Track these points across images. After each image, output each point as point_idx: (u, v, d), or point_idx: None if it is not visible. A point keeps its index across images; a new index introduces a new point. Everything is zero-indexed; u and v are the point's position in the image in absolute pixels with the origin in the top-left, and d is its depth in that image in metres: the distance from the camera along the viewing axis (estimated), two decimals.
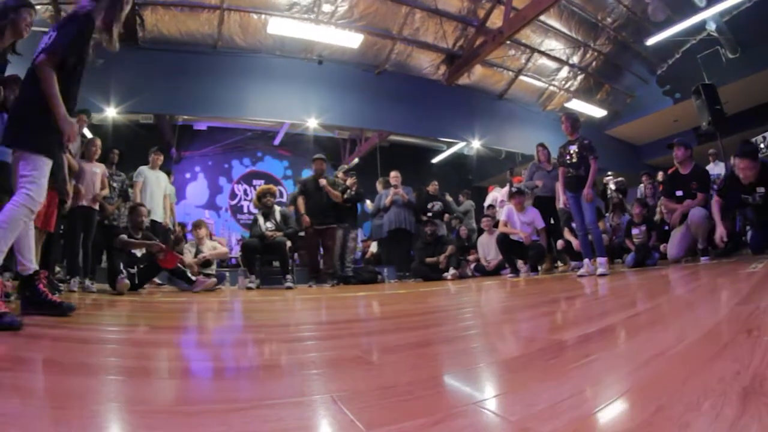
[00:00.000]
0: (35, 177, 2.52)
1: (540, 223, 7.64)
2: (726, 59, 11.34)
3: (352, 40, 10.45)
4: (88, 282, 6.07)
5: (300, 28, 10.06)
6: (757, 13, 10.34)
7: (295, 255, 8.16)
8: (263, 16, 9.99)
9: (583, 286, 4.50)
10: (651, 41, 11.25)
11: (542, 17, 9.89)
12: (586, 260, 6.04)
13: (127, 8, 2.96)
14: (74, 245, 5.96)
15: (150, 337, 2.36)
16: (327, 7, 10.08)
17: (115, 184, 6.96)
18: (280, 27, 9.92)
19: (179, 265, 6.54)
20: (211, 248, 7.69)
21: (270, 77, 10.78)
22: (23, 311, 2.61)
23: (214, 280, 6.97)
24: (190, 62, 10.08)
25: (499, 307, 3.50)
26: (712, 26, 10.88)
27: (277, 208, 7.93)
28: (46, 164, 2.61)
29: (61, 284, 5.52)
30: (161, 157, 7.87)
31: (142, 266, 6.33)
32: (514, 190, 7.82)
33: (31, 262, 2.68)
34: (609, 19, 11.43)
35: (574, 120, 6.43)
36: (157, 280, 7.41)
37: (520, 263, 7.76)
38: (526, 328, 2.27)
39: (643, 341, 1.59)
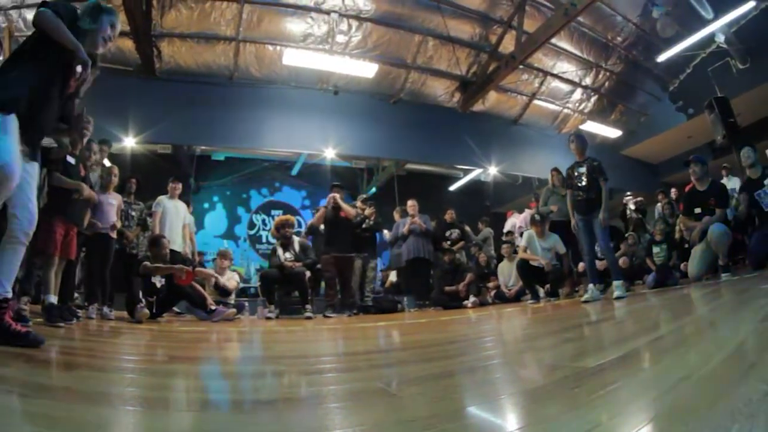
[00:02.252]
0: None
1: (561, 249, 7.57)
2: (736, 70, 11.22)
3: (367, 69, 10.53)
4: (106, 309, 6.09)
5: (315, 59, 10.17)
6: (764, 20, 10.25)
7: (322, 284, 8.13)
8: (278, 48, 10.15)
9: (603, 310, 4.44)
10: (662, 58, 11.22)
11: (553, 40, 9.91)
12: (590, 285, 5.93)
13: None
14: (93, 272, 6.00)
15: (168, 367, 2.34)
16: (341, 38, 10.20)
17: (133, 213, 7.03)
18: (295, 58, 10.05)
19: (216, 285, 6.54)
20: (229, 277, 7.71)
21: (286, 108, 10.88)
22: None
23: (233, 310, 6.95)
24: (207, 93, 10.23)
25: (521, 335, 3.45)
26: (720, 38, 10.78)
27: (296, 239, 7.94)
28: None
29: (79, 311, 5.54)
30: (179, 187, 7.91)
31: (161, 295, 6.33)
32: (536, 217, 7.76)
33: (9, 284, 2.49)
34: (619, 38, 11.44)
35: (582, 140, 6.41)
36: (175, 308, 7.41)
37: (540, 289, 7.67)
38: (549, 356, 2.23)
39: (667, 365, 1.57)
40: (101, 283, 6.12)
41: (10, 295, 2.45)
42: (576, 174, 6.21)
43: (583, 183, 6.09)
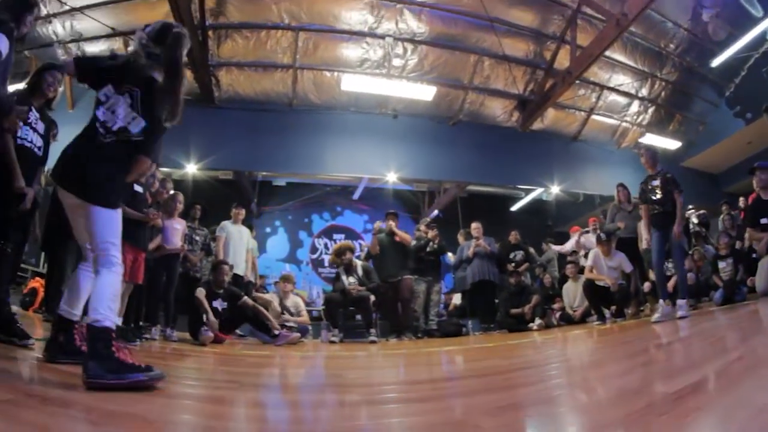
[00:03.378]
0: None
1: (628, 267, 7.29)
2: None
3: (425, 92, 10.48)
4: (169, 330, 6.21)
5: (373, 84, 10.21)
6: None
7: (398, 305, 8.12)
8: (336, 74, 10.26)
9: (673, 331, 4.30)
10: (716, 62, 10.79)
11: (607, 52, 9.64)
12: (661, 302, 5.64)
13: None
14: (156, 294, 6.12)
15: (228, 394, 2.29)
16: (397, 62, 10.23)
17: (197, 238, 7.18)
18: (353, 83, 10.12)
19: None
20: (293, 304, 7.74)
21: (347, 133, 10.97)
22: (51, 357, 2.51)
23: (297, 334, 6.91)
24: (267, 120, 10.43)
25: (592, 360, 3.30)
26: None
27: (359, 263, 7.94)
28: None
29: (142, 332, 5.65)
30: (243, 212, 8.05)
31: (223, 318, 6.38)
32: (602, 236, 7.50)
33: (76, 310, 2.57)
34: (672, 46, 11.01)
35: (653, 153, 6.25)
36: (238, 331, 7.48)
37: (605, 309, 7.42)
38: (628, 382, 2.12)
39: (751, 386, 1.52)
40: (165, 304, 6.26)
41: (78, 316, 2.54)
42: (650, 187, 6.05)
43: (658, 196, 5.91)
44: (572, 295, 8.50)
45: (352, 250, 7.95)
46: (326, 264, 14.41)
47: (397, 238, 8.04)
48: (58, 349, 2.49)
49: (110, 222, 2.38)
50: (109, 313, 2.22)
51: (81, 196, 2.34)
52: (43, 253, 8.76)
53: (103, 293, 2.27)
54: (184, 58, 2.77)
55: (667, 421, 1.23)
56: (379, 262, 8.07)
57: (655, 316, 5.58)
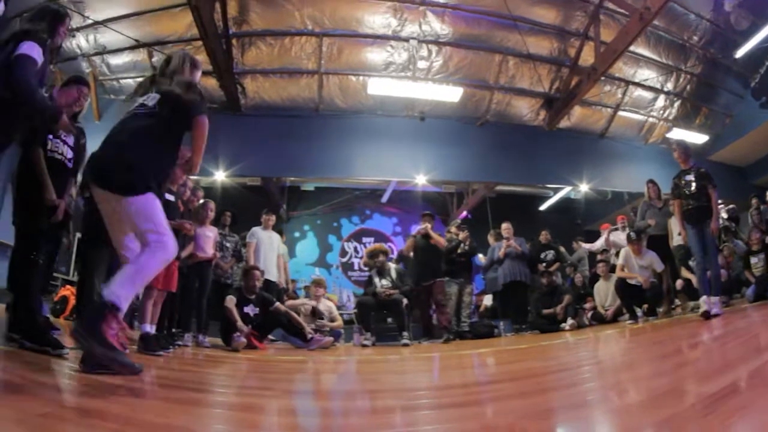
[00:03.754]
0: None
1: (659, 266, 7.24)
2: None
3: (452, 94, 10.51)
4: (201, 337, 6.28)
5: (399, 87, 10.26)
6: None
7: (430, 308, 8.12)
8: (361, 78, 10.33)
9: (707, 329, 4.24)
10: (740, 53, 10.52)
11: (631, 47, 9.50)
12: (704, 297, 5.48)
13: None
14: (189, 301, 6.19)
15: (260, 402, 2.29)
16: (422, 64, 10.25)
17: (228, 245, 7.26)
18: (379, 87, 10.17)
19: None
20: (326, 308, 7.78)
21: (374, 136, 11.01)
22: (90, 368, 2.51)
23: (330, 338, 6.95)
24: (293, 126, 10.53)
25: (631, 359, 3.23)
26: None
27: (392, 266, 7.95)
28: None
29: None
30: (273, 218, 8.12)
31: (255, 323, 6.43)
32: (632, 235, 7.38)
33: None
34: (695, 38, 10.80)
35: (685, 147, 6.18)
36: (271, 336, 7.53)
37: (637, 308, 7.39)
38: (665, 383, 2.08)
39: None
40: (198, 311, 6.33)
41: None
42: (683, 182, 5.94)
43: (692, 190, 5.81)
44: (603, 294, 8.48)
45: (385, 253, 7.99)
46: (356, 267, 14.45)
47: (432, 241, 8.02)
48: (95, 360, 2.52)
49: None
50: (121, 293, 2.36)
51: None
52: (73, 262, 9.00)
53: (126, 272, 2.45)
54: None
55: (711, 422, 1.22)
56: (413, 265, 8.03)
57: (702, 309, 5.39)
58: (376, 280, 7.64)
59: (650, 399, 1.73)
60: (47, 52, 2.87)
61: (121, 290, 2.36)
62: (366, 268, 8.38)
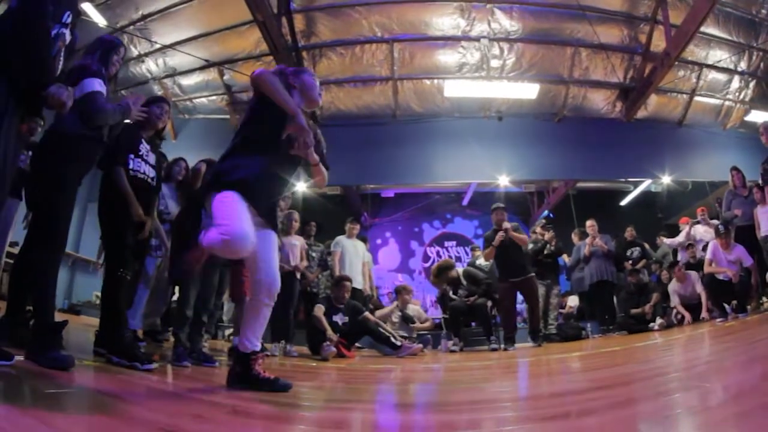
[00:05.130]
0: None
1: (748, 261, 6.81)
2: None
3: (528, 91, 10.32)
4: (288, 347, 6.37)
5: (475, 88, 10.15)
6: None
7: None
8: (436, 81, 10.30)
9: None
10: None
11: (701, 28, 8.88)
12: None
13: None
14: (277, 312, 6.29)
15: (344, 416, 2.27)
16: (495, 62, 10.11)
17: (314, 254, 7.38)
18: (455, 89, 10.10)
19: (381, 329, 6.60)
20: (415, 312, 7.77)
21: (452, 139, 10.92)
22: (231, 384, 2.66)
23: (420, 345, 6.87)
24: (371, 133, 10.62)
25: (736, 362, 2.93)
26: None
27: (459, 271, 7.81)
28: None
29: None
30: (357, 227, 8.21)
31: (344, 332, 6.47)
32: (720, 229, 6.97)
33: (256, 340, 2.73)
34: (764, 11, 9.89)
35: None
36: (357, 344, 7.57)
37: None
38: None
39: None
40: (285, 321, 6.45)
41: (258, 348, 2.72)
42: None
43: None
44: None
45: (451, 267, 7.81)
46: None
47: (515, 238, 7.37)
48: (237, 378, 2.68)
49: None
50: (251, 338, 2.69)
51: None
52: None
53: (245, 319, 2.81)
54: None
55: None
56: (501, 261, 7.45)
57: None
58: (451, 294, 7.55)
59: (761, 407, 1.58)
60: (106, 82, 3.07)
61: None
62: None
